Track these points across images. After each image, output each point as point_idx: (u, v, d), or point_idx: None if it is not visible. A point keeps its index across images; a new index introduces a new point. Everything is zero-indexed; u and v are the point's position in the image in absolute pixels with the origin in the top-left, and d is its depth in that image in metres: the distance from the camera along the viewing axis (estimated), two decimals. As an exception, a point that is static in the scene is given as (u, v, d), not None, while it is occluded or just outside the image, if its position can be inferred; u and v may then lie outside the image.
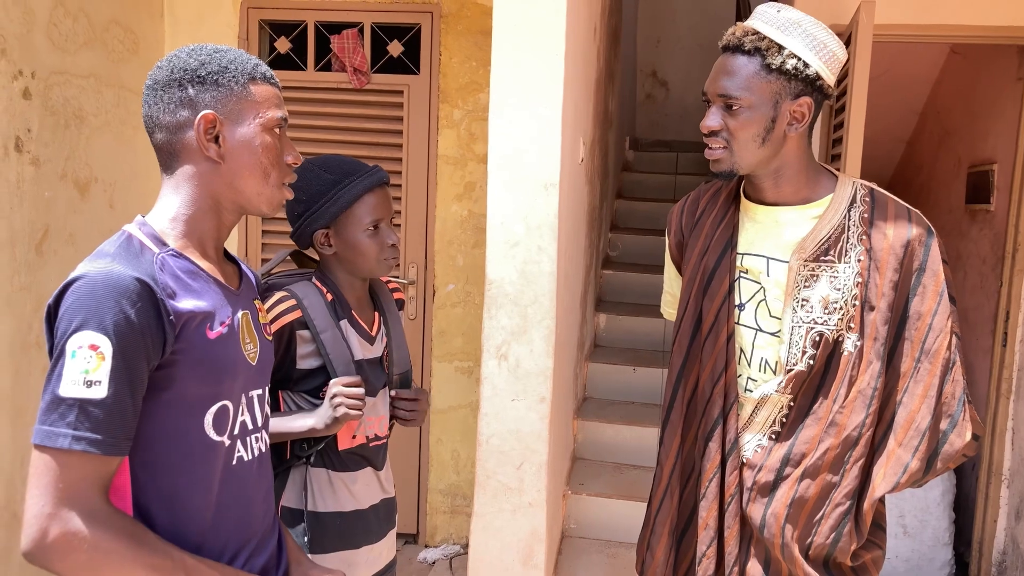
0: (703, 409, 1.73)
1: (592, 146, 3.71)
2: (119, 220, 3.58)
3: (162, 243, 1.24)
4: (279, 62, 3.96)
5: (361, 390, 1.71)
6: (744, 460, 1.70)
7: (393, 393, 1.90)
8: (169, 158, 1.28)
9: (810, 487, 1.61)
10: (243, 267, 1.45)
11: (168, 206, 1.29)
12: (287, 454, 1.75)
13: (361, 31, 3.82)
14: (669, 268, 1.95)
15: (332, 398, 1.67)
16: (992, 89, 4.05)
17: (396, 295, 2.01)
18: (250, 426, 1.34)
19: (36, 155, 3.12)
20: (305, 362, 1.73)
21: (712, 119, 1.61)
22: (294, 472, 1.75)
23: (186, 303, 1.20)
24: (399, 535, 4.05)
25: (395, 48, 3.84)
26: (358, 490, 1.81)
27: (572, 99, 2.78)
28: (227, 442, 1.28)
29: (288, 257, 1.93)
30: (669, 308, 2.01)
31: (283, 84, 3.82)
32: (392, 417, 1.91)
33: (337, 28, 3.85)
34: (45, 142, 3.16)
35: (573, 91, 2.80)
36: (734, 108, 1.58)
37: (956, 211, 4.40)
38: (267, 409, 1.41)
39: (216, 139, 1.26)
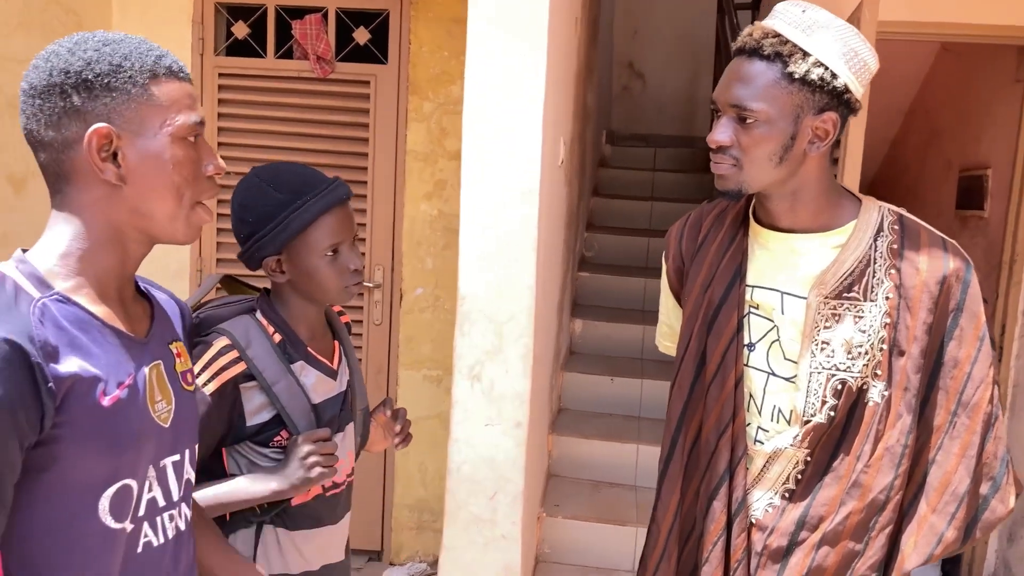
0: (707, 462, 1.52)
1: (571, 145, 3.49)
2: (60, 217, 3.30)
3: (46, 285, 1.00)
4: (236, 48, 3.69)
5: (333, 444, 1.49)
6: (753, 521, 1.50)
7: (387, 413, 1.75)
8: (57, 181, 1.04)
9: (829, 555, 1.42)
10: (156, 302, 1.20)
11: (57, 239, 1.04)
12: (227, 516, 1.51)
13: (325, 16, 3.56)
14: (667, 297, 1.73)
15: (304, 458, 1.44)
16: (987, 90, 3.89)
17: (343, 319, 1.77)
18: (162, 502, 1.11)
19: (-38, 148, 2.84)
20: (257, 416, 1.48)
21: (721, 133, 1.39)
22: (237, 535, 1.52)
23: (70, 364, 0.96)
24: (363, 552, 3.84)
25: (361, 35, 3.58)
26: (311, 551, 1.58)
27: (553, 97, 2.56)
28: (129, 527, 1.05)
29: (219, 284, 1.67)
30: (666, 341, 1.79)
31: (241, 72, 3.59)
32: (400, 437, 1.76)
33: (299, 13, 3.58)
34: (-27, 133, 2.88)
35: (555, 88, 2.58)
36: (748, 121, 1.36)
37: (946, 216, 4.25)
38: (189, 475, 1.18)
39: (114, 157, 1.02)
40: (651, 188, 5.66)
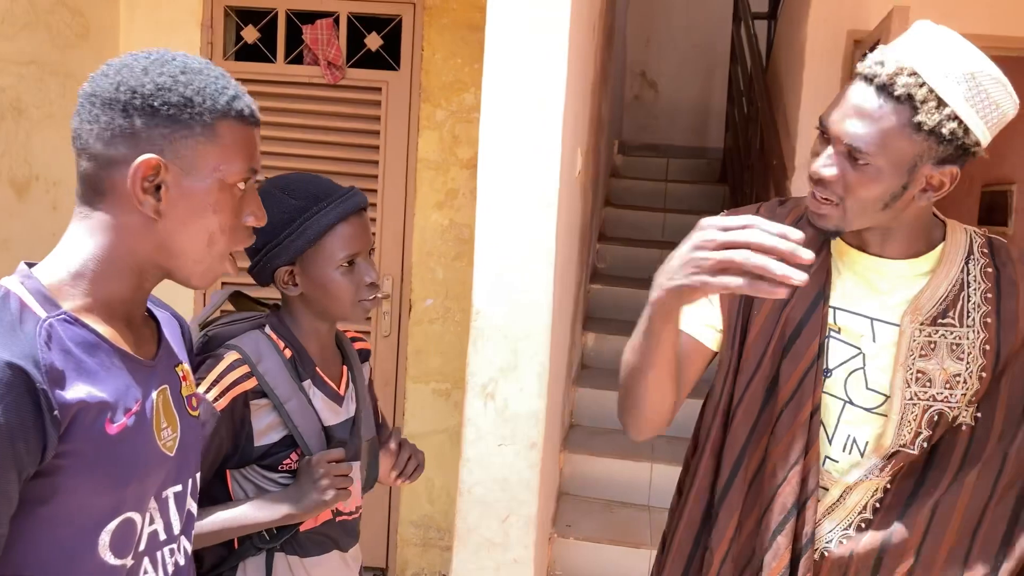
0: (772, 494, 1.41)
1: (587, 155, 3.41)
2: (64, 223, 3.23)
3: (52, 304, 0.92)
4: (246, 53, 3.63)
5: (349, 466, 1.42)
6: (824, 553, 1.39)
7: (393, 446, 1.64)
8: (91, 195, 0.97)
9: None
10: (162, 322, 1.13)
11: (72, 255, 0.96)
12: (235, 544, 1.43)
13: (336, 22, 3.49)
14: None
15: (317, 480, 1.37)
16: (1012, 104, 3.80)
17: (359, 345, 1.68)
18: (163, 536, 1.03)
19: (-36, 152, 2.77)
20: (266, 437, 1.41)
21: (828, 168, 1.27)
22: (247, 563, 1.44)
23: (77, 390, 0.89)
24: (368, 568, 3.76)
25: (373, 41, 3.51)
26: (319, 575, 1.51)
27: (572, 106, 2.48)
28: (129, 563, 0.97)
29: (228, 300, 1.60)
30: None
31: (250, 77, 3.49)
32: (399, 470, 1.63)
33: (310, 17, 3.51)
34: (-25, 137, 2.81)
35: (574, 97, 2.50)
36: (860, 163, 1.24)
37: (967, 232, 4.17)
38: (191, 507, 1.10)
39: (156, 189, 0.95)
40: (663, 199, 5.58)
